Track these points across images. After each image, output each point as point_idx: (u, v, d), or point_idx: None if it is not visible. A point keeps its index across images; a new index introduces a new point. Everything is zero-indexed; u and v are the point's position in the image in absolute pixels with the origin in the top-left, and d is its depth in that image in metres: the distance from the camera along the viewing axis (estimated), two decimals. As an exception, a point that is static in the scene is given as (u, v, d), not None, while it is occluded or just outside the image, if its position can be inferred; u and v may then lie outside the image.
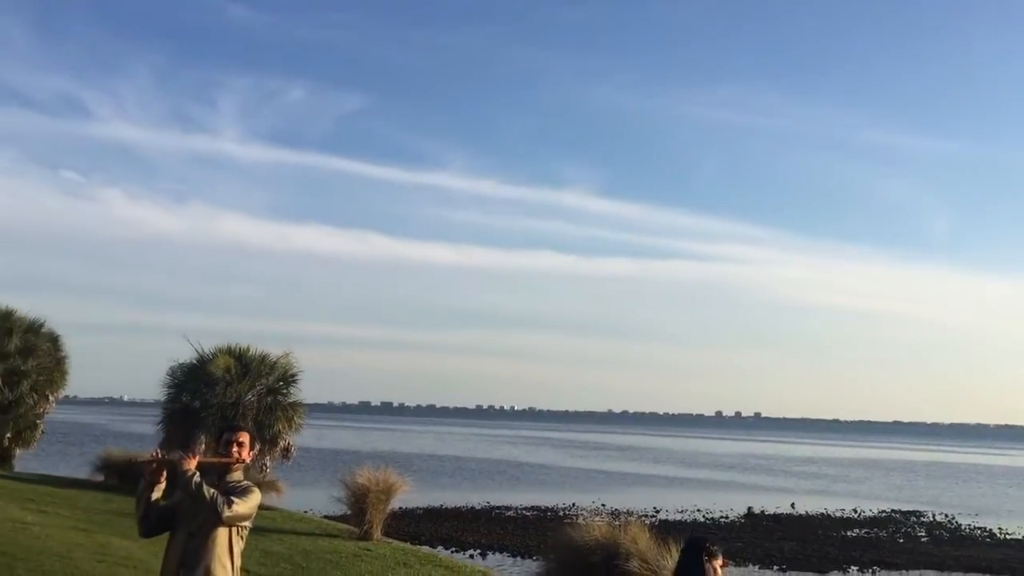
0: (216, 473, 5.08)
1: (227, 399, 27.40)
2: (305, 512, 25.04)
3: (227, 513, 4.77)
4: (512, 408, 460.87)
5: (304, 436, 30.92)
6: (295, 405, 29.04)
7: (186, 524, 4.89)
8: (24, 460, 34.02)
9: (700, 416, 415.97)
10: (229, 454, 5.13)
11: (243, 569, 12.98)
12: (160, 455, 5.03)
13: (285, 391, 29.23)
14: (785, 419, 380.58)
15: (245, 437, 5.23)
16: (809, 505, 40.04)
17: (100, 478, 28.10)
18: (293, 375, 29.69)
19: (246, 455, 5.18)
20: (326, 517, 24.31)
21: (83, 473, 30.20)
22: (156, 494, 5.00)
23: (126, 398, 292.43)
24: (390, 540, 20.71)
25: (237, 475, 5.15)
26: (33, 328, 33.06)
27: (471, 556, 22.83)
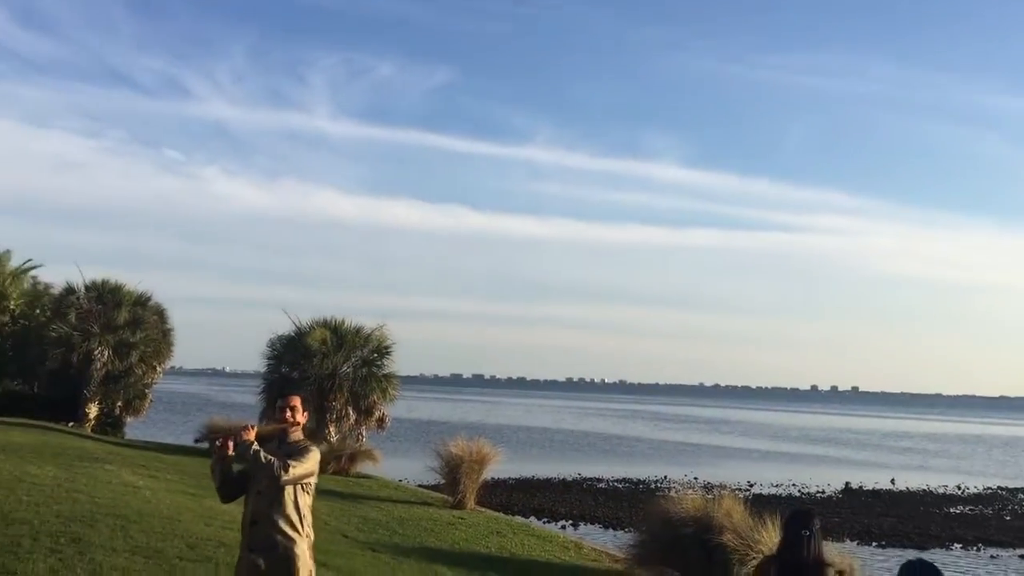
0: (277, 437, 5.43)
1: (324, 370, 28.11)
2: (400, 481, 25.52)
3: (284, 477, 5.10)
4: (602, 381, 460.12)
5: (397, 407, 31.49)
6: (389, 376, 29.61)
7: (255, 485, 5.24)
8: (133, 428, 35.59)
9: (795, 390, 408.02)
10: (284, 419, 5.45)
11: (342, 533, 13.31)
12: (220, 434, 5.41)
13: (379, 363, 29.82)
14: (884, 393, 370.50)
15: (296, 401, 5.53)
16: (909, 481, 39.00)
17: (205, 446, 29.18)
18: (387, 347, 30.26)
19: (299, 417, 5.47)
20: (420, 486, 24.76)
21: (189, 440, 31.38)
22: (234, 464, 5.35)
23: (228, 369, 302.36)
24: (483, 509, 20.97)
25: (296, 435, 5.46)
26: (141, 301, 34.43)
27: (563, 527, 22.96)
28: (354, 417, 28.52)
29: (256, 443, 5.16)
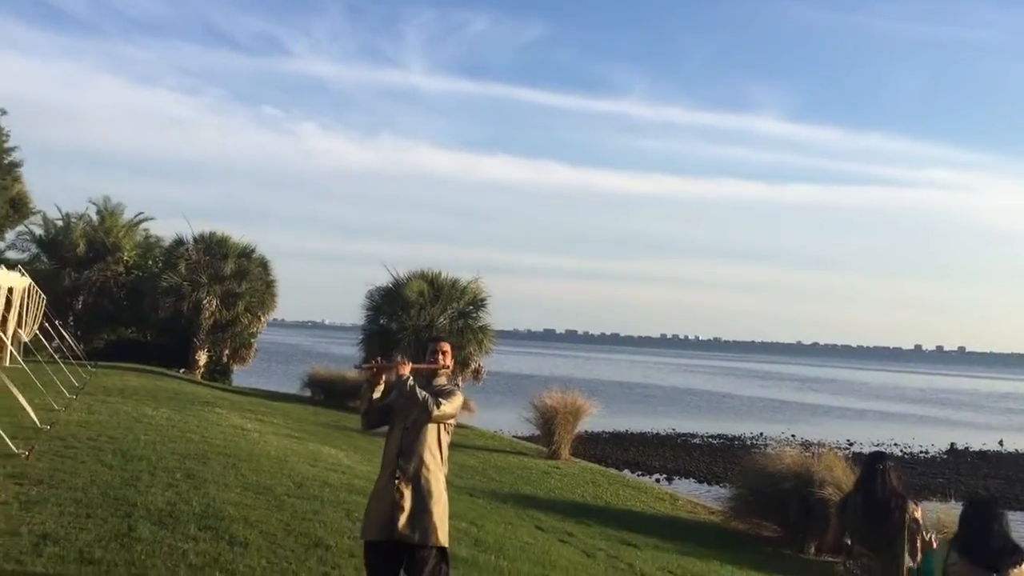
0: (424, 378, 5.58)
1: (421, 321, 28.57)
2: (496, 431, 25.87)
3: (436, 412, 5.30)
4: (697, 338, 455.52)
5: (492, 360, 31.79)
6: (484, 329, 29.91)
7: (402, 420, 5.44)
8: (239, 375, 36.92)
9: (897, 349, 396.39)
10: (435, 362, 5.62)
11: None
12: (380, 361, 5.57)
13: (475, 315, 30.14)
14: (992, 353, 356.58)
15: (447, 347, 5.71)
16: (1019, 443, 37.59)
17: (307, 393, 30.11)
18: (482, 299, 30.54)
19: (449, 362, 5.68)
20: (515, 437, 25.06)
21: (292, 388, 32.42)
22: (376, 393, 5.59)
23: (327, 322, 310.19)
24: (577, 460, 21.13)
25: (442, 380, 5.66)
26: (245, 253, 35.51)
27: (656, 480, 22.96)
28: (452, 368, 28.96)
29: (411, 378, 5.37)
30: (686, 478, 24.01)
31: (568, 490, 16.26)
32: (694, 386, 73.85)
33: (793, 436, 33.31)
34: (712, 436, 34.73)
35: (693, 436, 34.47)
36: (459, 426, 24.46)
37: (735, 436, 35.01)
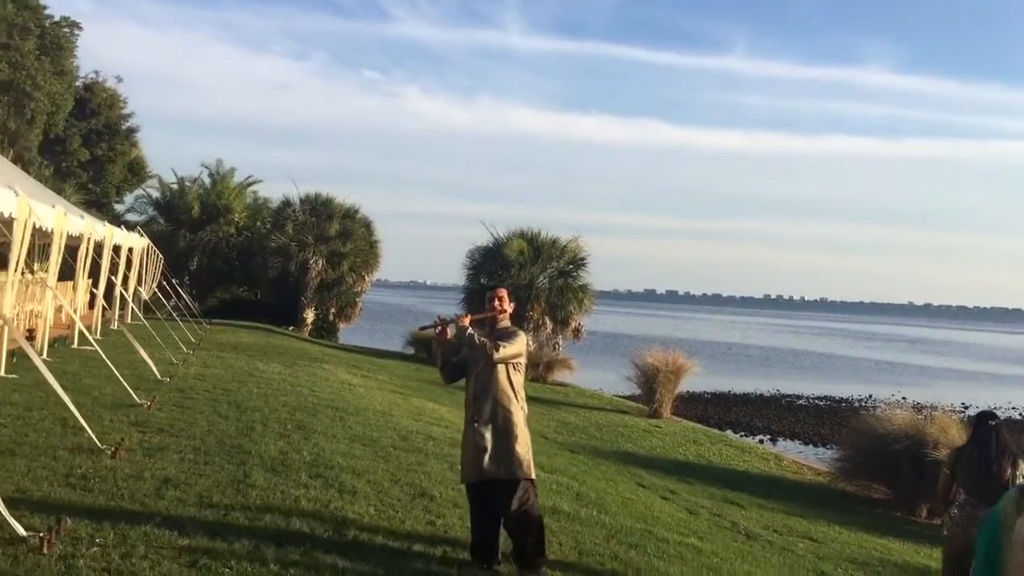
0: (488, 325, 6.04)
1: (521, 280, 28.71)
2: (596, 390, 25.88)
3: (496, 355, 5.73)
4: (802, 299, 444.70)
5: (591, 320, 31.72)
6: (584, 288, 29.87)
7: (473, 368, 5.92)
8: (345, 333, 37.83)
9: (1017, 311, 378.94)
10: (492, 308, 6.06)
11: (541, 435, 13.70)
12: (441, 319, 6.04)
13: (575, 274, 30.12)
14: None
15: (503, 292, 6.14)
16: None
17: (410, 351, 30.67)
18: (582, 259, 30.48)
19: (505, 306, 6.06)
20: (615, 396, 25.03)
21: (396, 346, 33.06)
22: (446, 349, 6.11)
23: (429, 282, 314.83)
24: (678, 419, 21.00)
25: (504, 323, 6.07)
26: (350, 214, 36.20)
27: (760, 441, 22.63)
28: (551, 327, 29.06)
29: (471, 328, 5.81)
30: (791, 439, 23.60)
31: (670, 448, 16.18)
32: (798, 347, 72.26)
33: (904, 398, 32.31)
34: (818, 397, 34.00)
35: (798, 397, 33.80)
36: (559, 384, 24.70)
37: (842, 398, 34.19)
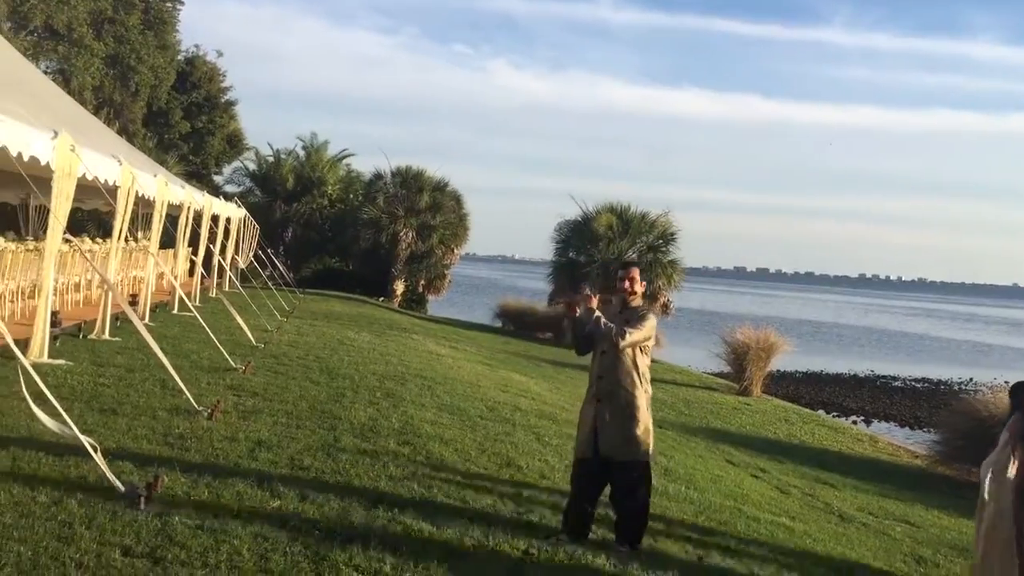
0: (618, 304, 5.94)
1: (609, 255, 28.43)
2: (685, 366, 25.56)
3: (622, 342, 5.63)
4: (899, 278, 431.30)
5: (680, 297, 31.34)
6: (674, 263, 29.42)
7: (599, 344, 5.82)
8: (434, 305, 38.21)
9: None
10: (623, 289, 5.93)
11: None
12: (571, 295, 6.02)
13: (664, 249, 29.68)
14: None
15: (635, 273, 5.97)
16: None
17: (498, 324, 30.80)
18: (672, 234, 29.99)
19: (637, 287, 5.93)
20: (704, 373, 24.68)
21: (483, 319, 33.24)
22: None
23: (516, 256, 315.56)
24: (769, 397, 20.59)
25: (636, 302, 5.96)
26: (439, 187, 36.41)
27: (853, 422, 22.02)
28: (644, 285, 28.77)
29: (597, 310, 5.69)
30: (886, 421, 22.90)
31: (760, 427, 15.88)
32: (892, 327, 70.10)
33: (1007, 382, 31.05)
34: (915, 379, 32.92)
35: (894, 379, 32.80)
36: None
37: (940, 380, 33.02)
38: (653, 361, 21.31)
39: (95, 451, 5.32)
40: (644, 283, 6.01)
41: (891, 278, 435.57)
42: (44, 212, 12.15)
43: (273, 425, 7.71)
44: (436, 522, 5.54)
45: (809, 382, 29.45)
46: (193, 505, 5.23)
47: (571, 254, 29.60)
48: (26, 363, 5.72)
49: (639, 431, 5.66)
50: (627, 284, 5.87)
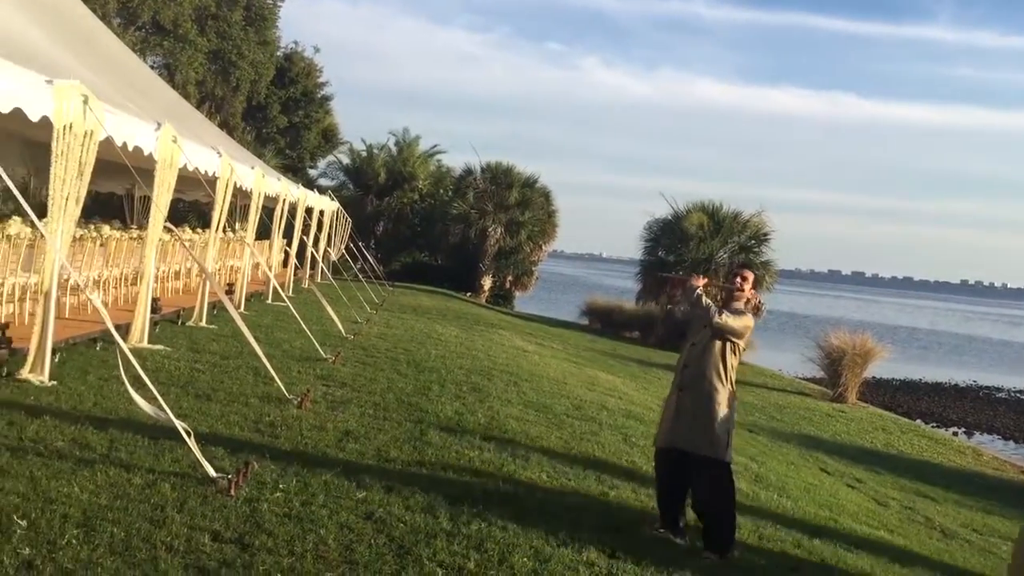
0: (721, 300, 5.98)
1: (700, 255, 27.95)
2: (776, 370, 24.97)
3: (717, 320, 5.60)
4: (1004, 285, 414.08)
5: (774, 299, 30.61)
6: (766, 264, 28.75)
7: (692, 335, 5.86)
8: (521, 301, 38.23)
9: None
10: (733, 282, 5.97)
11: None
12: (678, 273, 5.84)
13: (756, 249, 29.04)
14: None
15: (750, 275, 6.04)
16: None
17: (585, 322, 30.62)
18: (765, 234, 29.32)
19: (747, 288, 5.89)
20: (796, 378, 24.05)
21: (570, 316, 33.10)
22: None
23: (604, 255, 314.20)
24: (864, 405, 19.94)
25: (739, 304, 5.91)
26: (529, 183, 36.40)
27: (954, 433, 21.17)
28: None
29: (700, 289, 5.79)
30: (989, 433, 21.94)
31: (855, 435, 15.36)
32: (994, 336, 67.26)
33: (1122, 397, 29.50)
34: (1020, 391, 31.49)
35: (998, 389, 31.45)
36: (739, 363, 23.92)
37: (1050, 393, 31.54)
38: (742, 364, 20.82)
39: (189, 436, 5.40)
40: (755, 293, 5.97)
41: (995, 284, 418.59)
42: (147, 202, 12.53)
43: (361, 416, 7.74)
44: (520, 520, 5.45)
45: (907, 390, 28.45)
46: (281, 493, 5.25)
47: (660, 253, 29.20)
48: (125, 348, 5.85)
49: (717, 426, 5.59)
50: (739, 280, 5.88)
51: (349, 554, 4.48)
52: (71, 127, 7.21)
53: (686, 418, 5.65)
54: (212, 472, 5.26)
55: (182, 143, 9.83)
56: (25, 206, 5.91)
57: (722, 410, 5.61)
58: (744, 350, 5.84)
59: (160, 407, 5.61)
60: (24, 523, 4.25)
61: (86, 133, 7.42)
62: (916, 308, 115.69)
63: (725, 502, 5.66)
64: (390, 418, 7.83)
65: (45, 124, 6.92)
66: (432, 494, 5.69)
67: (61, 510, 4.49)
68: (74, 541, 4.12)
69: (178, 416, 5.90)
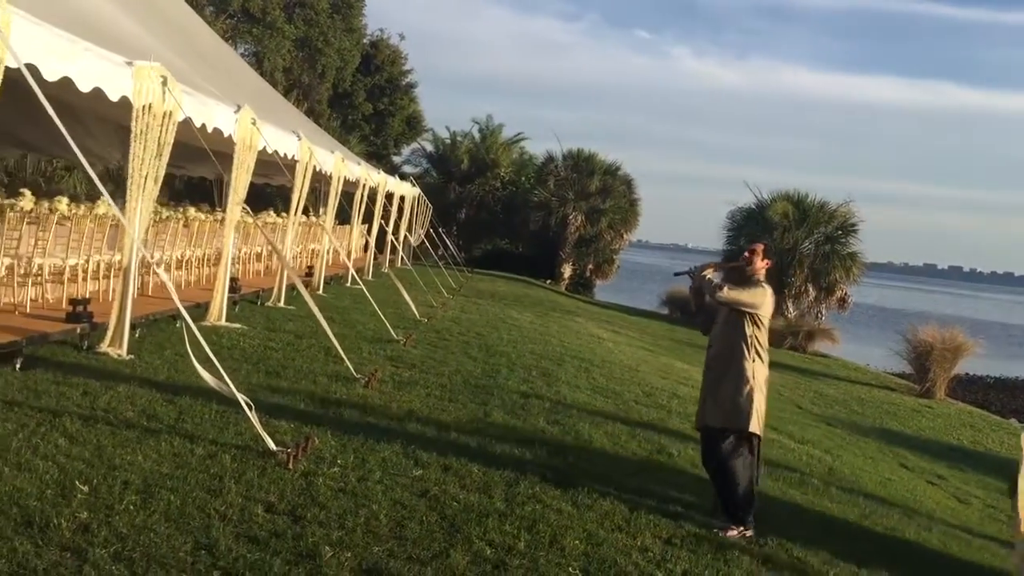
0: (735, 278, 6.02)
1: (784, 245, 27.35)
2: (860, 364, 24.28)
3: (720, 295, 5.70)
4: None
5: (861, 292, 29.79)
6: (853, 256, 27.99)
7: (716, 316, 5.97)
8: (601, 290, 38.02)
9: None
10: (742, 259, 5.98)
11: (796, 404, 12.98)
12: (692, 268, 6.12)
13: (843, 240, 28.29)
14: None
15: (757, 247, 6.01)
16: None
17: (665, 311, 30.27)
18: (852, 225, 28.55)
19: (757, 260, 5.85)
20: (882, 372, 23.35)
21: (650, 305, 32.77)
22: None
23: (690, 246, 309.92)
24: (953, 401, 19.24)
25: (757, 276, 5.86)
26: (611, 171, 36.13)
27: (1051, 434, 20.25)
28: (813, 295, 27.57)
29: (709, 273, 5.95)
30: (1090, 436, 20.93)
31: (941, 431, 14.84)
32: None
33: None
34: None
35: (1103, 391, 29.95)
36: (819, 355, 23.39)
37: None
38: (823, 356, 20.33)
39: (250, 409, 5.50)
40: (768, 261, 5.92)
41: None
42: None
43: (426, 397, 7.79)
44: (580, 506, 5.40)
45: (1001, 388, 27.33)
46: (338, 468, 5.31)
47: (743, 243, 28.65)
48: (190, 322, 5.98)
49: (742, 400, 5.60)
50: (745, 254, 5.94)
51: (399, 530, 4.51)
52: (150, 107, 7.41)
53: (713, 397, 5.76)
54: (272, 445, 5.36)
55: (261, 126, 10.02)
56: (99, 185, 6.08)
57: (746, 384, 5.62)
58: (765, 320, 5.75)
59: (223, 380, 5.73)
60: (86, 488, 4.39)
61: (165, 114, 7.63)
62: (1014, 304, 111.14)
63: (732, 472, 5.61)
64: (455, 399, 7.86)
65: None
66: (490, 474, 5.69)
67: (123, 477, 4.63)
68: (131, 507, 4.24)
69: (247, 391, 6.02)
